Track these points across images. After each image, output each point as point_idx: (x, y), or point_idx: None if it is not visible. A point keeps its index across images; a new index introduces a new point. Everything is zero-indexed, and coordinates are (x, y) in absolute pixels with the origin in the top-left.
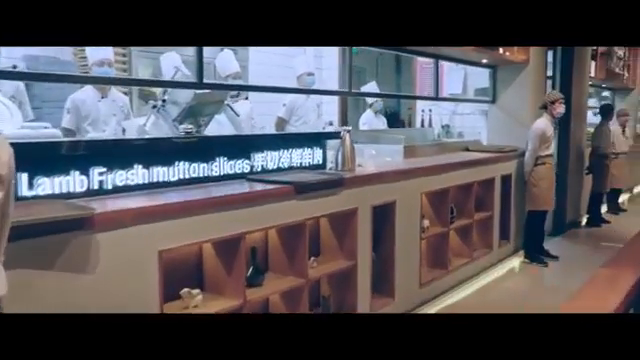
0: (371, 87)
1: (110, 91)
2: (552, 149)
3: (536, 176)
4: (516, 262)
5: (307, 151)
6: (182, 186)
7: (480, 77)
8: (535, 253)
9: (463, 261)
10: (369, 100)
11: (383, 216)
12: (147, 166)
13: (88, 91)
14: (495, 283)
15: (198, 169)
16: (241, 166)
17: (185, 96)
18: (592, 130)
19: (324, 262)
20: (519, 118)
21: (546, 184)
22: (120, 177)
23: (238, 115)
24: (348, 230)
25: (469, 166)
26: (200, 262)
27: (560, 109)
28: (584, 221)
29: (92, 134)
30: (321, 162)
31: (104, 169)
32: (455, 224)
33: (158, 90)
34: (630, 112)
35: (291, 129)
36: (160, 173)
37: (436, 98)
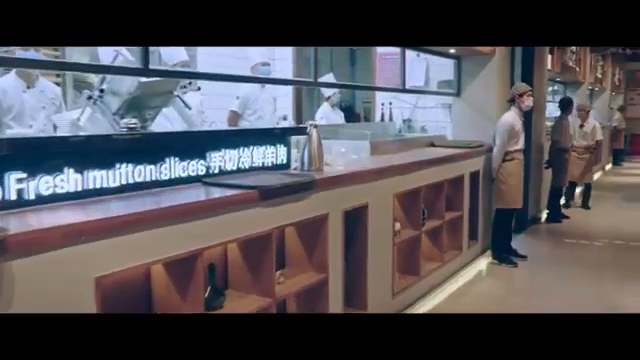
0: (328, 79)
1: (38, 80)
2: (521, 144)
3: (505, 172)
4: (485, 263)
5: (270, 149)
6: (125, 194)
7: (442, 69)
8: (504, 253)
9: (434, 265)
10: (326, 93)
11: (354, 221)
12: (81, 170)
13: (10, 79)
14: (467, 287)
15: (144, 172)
16: (195, 168)
17: (127, 85)
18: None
19: (291, 276)
20: (485, 112)
21: (515, 181)
22: (46, 184)
23: (190, 108)
24: (318, 239)
25: (440, 163)
26: (149, 286)
27: (528, 102)
28: (543, 217)
29: (15, 130)
30: (285, 161)
31: (24, 175)
32: (426, 226)
33: (95, 78)
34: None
35: (245, 124)
36: (97, 178)
37: (403, 90)
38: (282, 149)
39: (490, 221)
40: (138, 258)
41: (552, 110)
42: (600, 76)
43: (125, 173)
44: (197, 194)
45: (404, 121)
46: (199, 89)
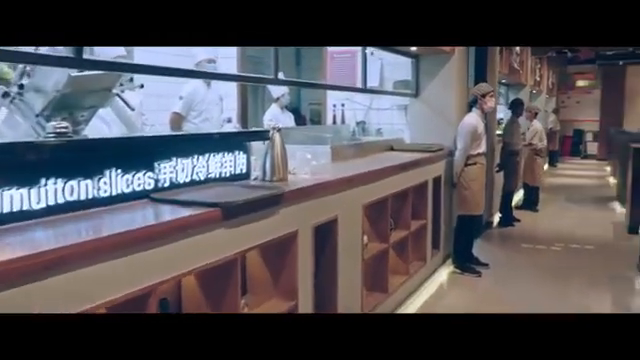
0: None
1: None
2: (483, 147)
3: (467, 177)
4: (447, 273)
5: (228, 157)
6: (53, 216)
7: (398, 68)
8: (466, 262)
9: (401, 279)
10: (275, 94)
11: (323, 237)
12: None
13: None
14: (434, 300)
15: (78, 189)
16: (142, 181)
17: (55, 80)
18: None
19: (256, 304)
20: (444, 113)
21: (477, 186)
22: None
23: (133, 109)
24: (286, 260)
25: (406, 169)
26: None
27: (491, 103)
28: (496, 221)
29: None
30: (245, 171)
31: None
32: (392, 238)
33: (11, 71)
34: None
35: (190, 127)
36: (16, 199)
37: (364, 90)
38: (241, 157)
39: (451, 228)
40: (72, 304)
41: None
42: (538, 79)
43: (53, 191)
44: (145, 215)
45: (358, 123)
46: (142, 87)
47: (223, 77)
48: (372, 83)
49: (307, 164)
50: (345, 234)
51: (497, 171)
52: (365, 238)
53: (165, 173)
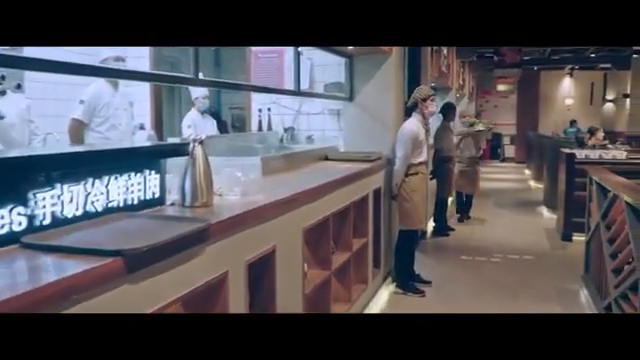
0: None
1: None
2: (425, 155)
3: (408, 189)
4: (388, 294)
5: (135, 179)
6: None
7: (329, 69)
8: (408, 281)
9: (344, 307)
10: (194, 95)
11: (259, 274)
12: None
13: None
14: None
15: None
16: (7, 220)
17: None
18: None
19: None
20: (381, 118)
21: (419, 198)
22: None
23: (2, 117)
24: (214, 308)
25: (347, 183)
26: None
27: (432, 107)
28: (430, 230)
29: None
30: (158, 195)
31: None
32: (334, 262)
33: None
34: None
35: (94, 136)
36: None
37: (298, 93)
38: (153, 177)
39: (391, 243)
40: None
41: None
42: (462, 82)
43: None
44: (12, 275)
45: (286, 130)
46: (19, 87)
47: (133, 76)
48: (301, 85)
49: (236, 183)
50: (284, 266)
51: (430, 179)
52: (305, 266)
53: (44, 206)
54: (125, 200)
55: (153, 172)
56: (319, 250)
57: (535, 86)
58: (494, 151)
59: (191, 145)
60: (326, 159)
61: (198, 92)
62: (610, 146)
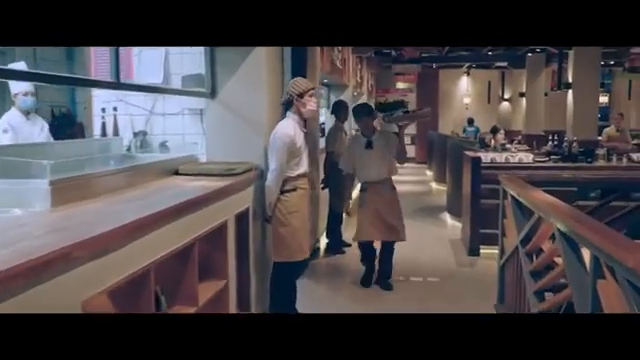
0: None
1: None
2: (305, 166)
3: (284, 210)
4: None
5: None
6: None
7: (188, 59)
8: None
9: None
10: (13, 91)
11: None
12: None
13: None
14: None
15: None
16: None
17: None
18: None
19: None
20: (252, 120)
21: (299, 221)
22: None
23: None
24: None
25: (186, 212)
26: None
27: (311, 105)
28: (322, 247)
29: None
30: None
31: None
32: None
33: None
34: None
35: None
36: None
37: (118, 85)
38: None
39: (265, 277)
40: None
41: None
42: (360, 80)
43: None
44: None
45: (136, 134)
46: None
47: None
48: (153, 79)
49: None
50: None
51: (322, 188)
52: None
53: None
54: None
55: None
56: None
57: (434, 84)
58: None
59: None
60: (176, 174)
61: (19, 87)
62: (509, 146)
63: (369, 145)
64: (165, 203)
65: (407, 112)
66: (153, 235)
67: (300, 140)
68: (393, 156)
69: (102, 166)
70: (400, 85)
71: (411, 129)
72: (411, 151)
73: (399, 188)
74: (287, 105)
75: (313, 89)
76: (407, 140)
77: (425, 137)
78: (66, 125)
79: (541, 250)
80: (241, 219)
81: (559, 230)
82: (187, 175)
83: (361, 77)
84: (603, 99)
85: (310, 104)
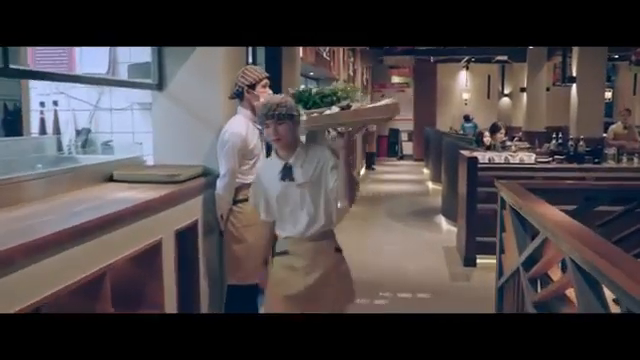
0: None
1: None
2: None
3: (238, 223)
4: None
5: None
6: None
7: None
8: None
9: None
10: None
11: None
12: None
13: None
14: None
15: None
16: None
17: None
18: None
19: None
20: (206, 116)
21: (254, 235)
22: None
23: None
24: None
25: (92, 235)
26: None
27: (265, 97)
28: None
29: None
30: None
31: None
32: None
33: None
34: None
35: None
36: None
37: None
38: None
39: (219, 302)
40: None
41: None
42: (352, 74)
43: None
44: None
45: (79, 132)
46: None
47: None
48: (97, 68)
49: None
50: None
51: None
52: None
53: None
54: None
55: None
56: None
57: (432, 79)
58: (392, 148)
59: None
60: (111, 180)
61: None
62: (510, 143)
63: (287, 174)
64: (62, 223)
65: (345, 108)
66: (41, 266)
67: (254, 140)
68: (331, 192)
69: (25, 170)
70: (396, 79)
71: (409, 125)
72: (408, 148)
73: (394, 187)
74: (238, 96)
75: (268, 78)
76: (404, 137)
77: (422, 134)
78: (19, 120)
79: (547, 277)
80: (185, 236)
81: (572, 260)
82: (122, 182)
83: (354, 70)
84: (607, 95)
85: (264, 96)
